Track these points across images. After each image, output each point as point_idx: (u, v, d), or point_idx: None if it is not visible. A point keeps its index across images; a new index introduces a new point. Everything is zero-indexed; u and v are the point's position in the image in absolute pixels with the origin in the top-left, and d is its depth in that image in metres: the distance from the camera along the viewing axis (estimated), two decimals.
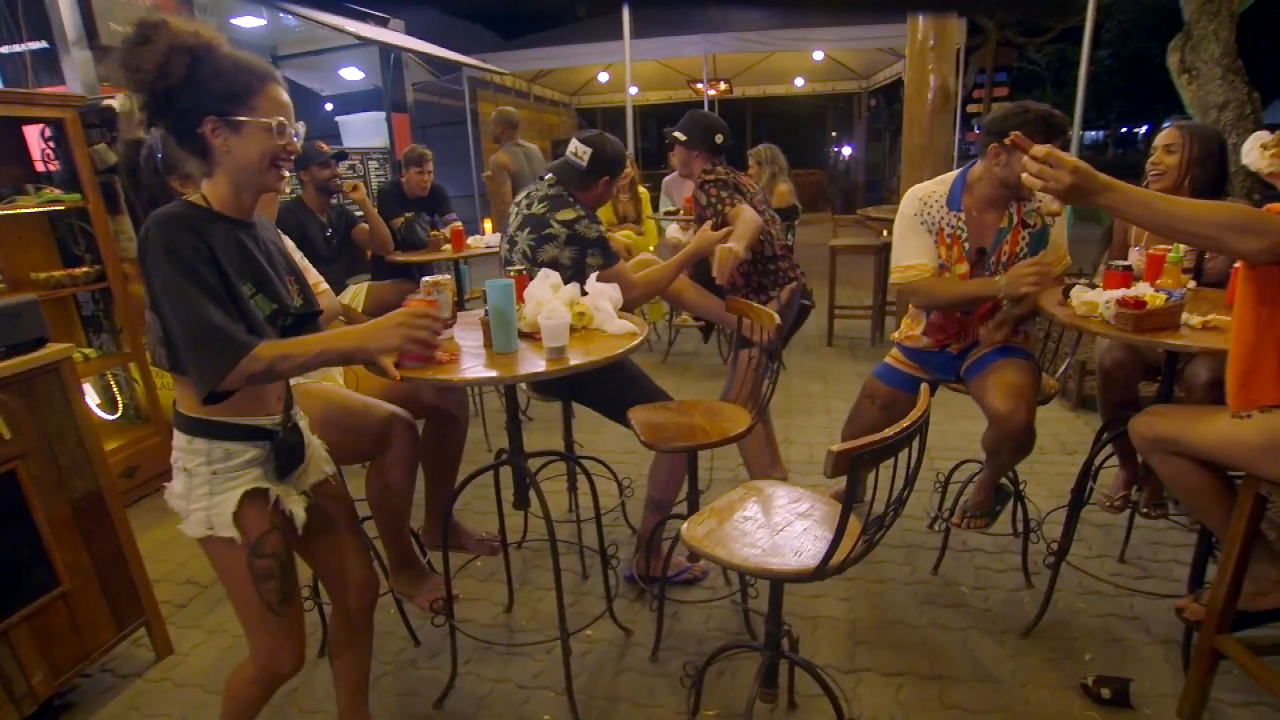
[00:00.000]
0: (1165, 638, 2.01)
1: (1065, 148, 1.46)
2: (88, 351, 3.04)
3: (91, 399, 3.18)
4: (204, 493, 1.27)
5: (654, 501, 2.23)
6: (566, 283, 1.85)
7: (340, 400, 1.80)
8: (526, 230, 2.10)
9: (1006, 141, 1.54)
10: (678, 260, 2.19)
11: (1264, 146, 1.62)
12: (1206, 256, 2.12)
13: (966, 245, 2.05)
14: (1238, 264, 1.84)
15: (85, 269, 2.92)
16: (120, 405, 3.24)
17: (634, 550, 2.36)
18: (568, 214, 2.08)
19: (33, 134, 2.93)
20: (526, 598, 2.32)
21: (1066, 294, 1.92)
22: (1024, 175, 1.38)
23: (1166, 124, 2.33)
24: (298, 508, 1.37)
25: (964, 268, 2.06)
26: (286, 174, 1.28)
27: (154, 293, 1.17)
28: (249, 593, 1.31)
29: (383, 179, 5.49)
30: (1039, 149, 1.35)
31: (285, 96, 1.26)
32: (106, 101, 2.93)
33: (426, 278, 1.69)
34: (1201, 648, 1.70)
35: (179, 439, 1.28)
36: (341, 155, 3.41)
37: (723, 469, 3.11)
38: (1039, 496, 2.72)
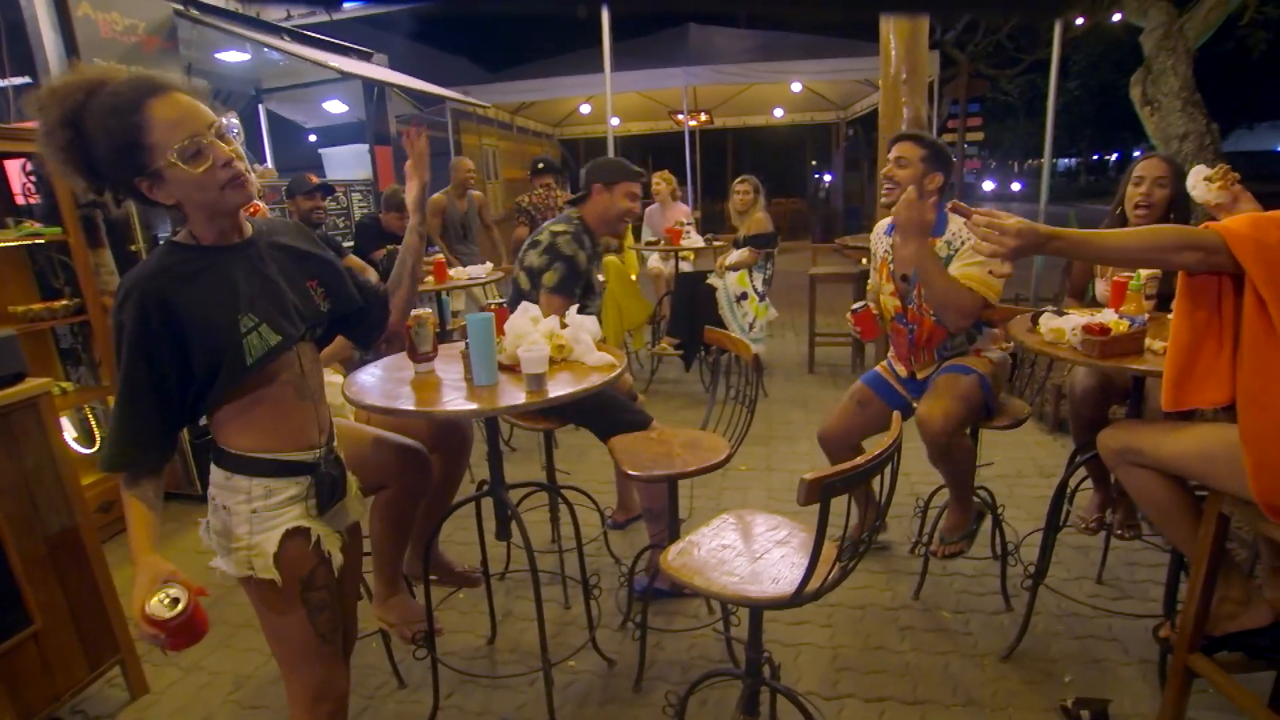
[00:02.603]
0: (1142, 657, 2.04)
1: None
2: (65, 385, 3.02)
3: (69, 432, 3.15)
4: (244, 532, 1.22)
5: (649, 511, 2.28)
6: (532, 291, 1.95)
7: (353, 434, 1.77)
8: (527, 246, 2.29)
9: (948, 208, 1.58)
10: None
11: (1208, 180, 1.69)
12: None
13: (893, 269, 2.22)
14: None
15: (64, 302, 2.91)
16: (98, 438, 3.21)
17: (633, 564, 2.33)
18: (560, 226, 2.26)
19: (14, 167, 2.94)
20: (509, 629, 2.31)
21: (1035, 321, 1.97)
22: (973, 240, 1.43)
23: (1139, 154, 2.42)
24: (335, 549, 1.32)
25: (891, 287, 2.26)
26: (244, 181, 1.15)
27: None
28: (295, 629, 1.27)
29: (366, 210, 5.52)
30: (978, 216, 1.38)
31: (179, 104, 1.10)
32: None
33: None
34: (1175, 667, 1.72)
35: (216, 474, 1.24)
36: (328, 189, 3.45)
37: (703, 497, 3.12)
38: (1017, 519, 2.76)
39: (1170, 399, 1.41)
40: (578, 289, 2.31)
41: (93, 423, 3.21)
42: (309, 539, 1.27)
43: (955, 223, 2.12)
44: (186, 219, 1.18)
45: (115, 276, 3.08)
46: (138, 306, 1.10)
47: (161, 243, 1.22)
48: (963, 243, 2.08)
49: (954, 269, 2.07)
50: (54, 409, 1.87)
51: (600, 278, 4.73)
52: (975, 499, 2.29)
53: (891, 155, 2.17)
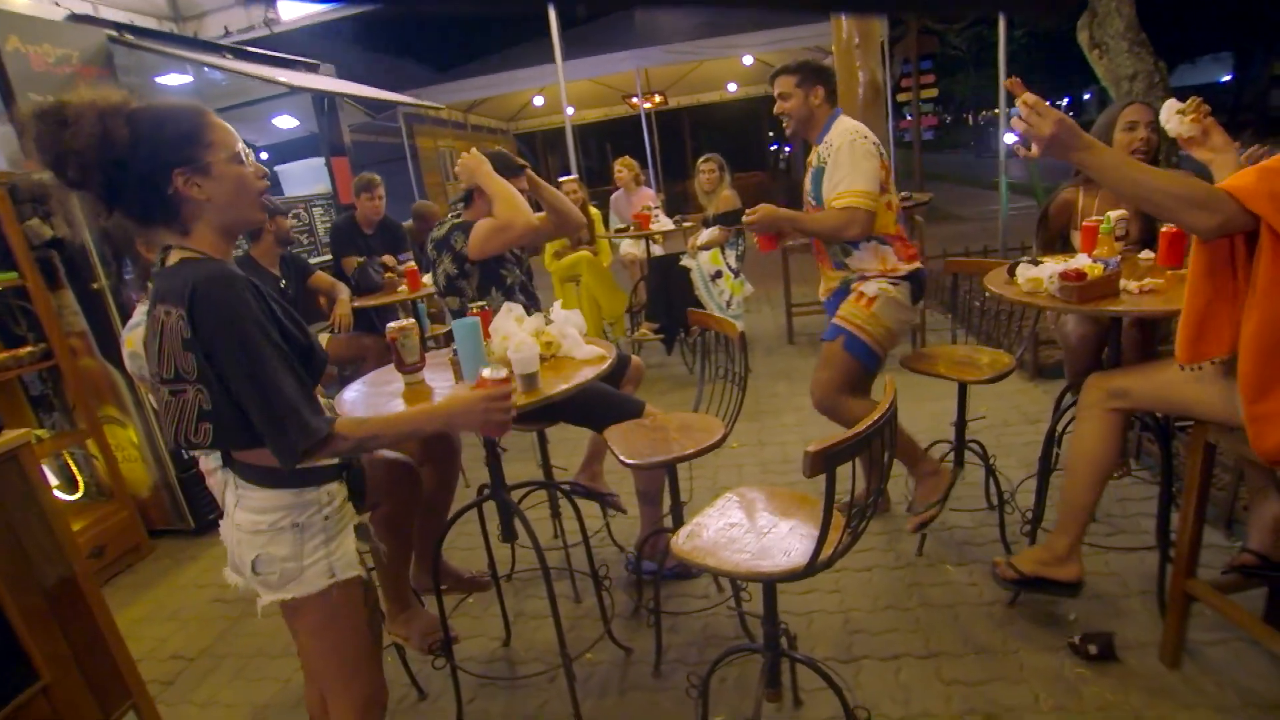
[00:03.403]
0: (1141, 589, 2.10)
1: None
2: (40, 433, 2.95)
3: (50, 480, 3.08)
4: (320, 541, 1.24)
5: (644, 494, 2.29)
6: (478, 287, 2.01)
7: None
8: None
9: (1004, 84, 1.59)
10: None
11: (1181, 112, 1.70)
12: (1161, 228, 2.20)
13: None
14: (1164, 228, 1.96)
15: (30, 349, 2.83)
16: (81, 484, 3.14)
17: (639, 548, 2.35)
18: (438, 232, 2.27)
19: None
20: (523, 629, 2.32)
21: (1012, 272, 2.00)
22: (1013, 119, 1.46)
23: (1089, 97, 2.43)
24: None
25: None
26: (265, 204, 1.26)
27: (215, 364, 1.11)
28: (358, 634, 1.30)
29: (328, 225, 5.43)
30: (1028, 96, 1.41)
31: (228, 124, 1.21)
32: (37, 176, 2.85)
33: (391, 324, 1.69)
34: (1174, 594, 1.78)
35: (282, 497, 1.22)
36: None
37: (700, 478, 3.14)
38: (1009, 468, 2.81)
39: (1188, 353, 1.45)
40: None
41: (74, 469, 3.14)
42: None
43: (833, 132, 2.24)
44: (189, 233, 1.18)
45: (79, 317, 3.00)
46: (244, 290, 1.12)
47: (177, 260, 1.17)
48: (831, 154, 2.21)
49: (825, 184, 2.22)
50: (35, 459, 1.83)
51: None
52: (956, 459, 2.35)
53: (775, 94, 2.30)
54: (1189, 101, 1.70)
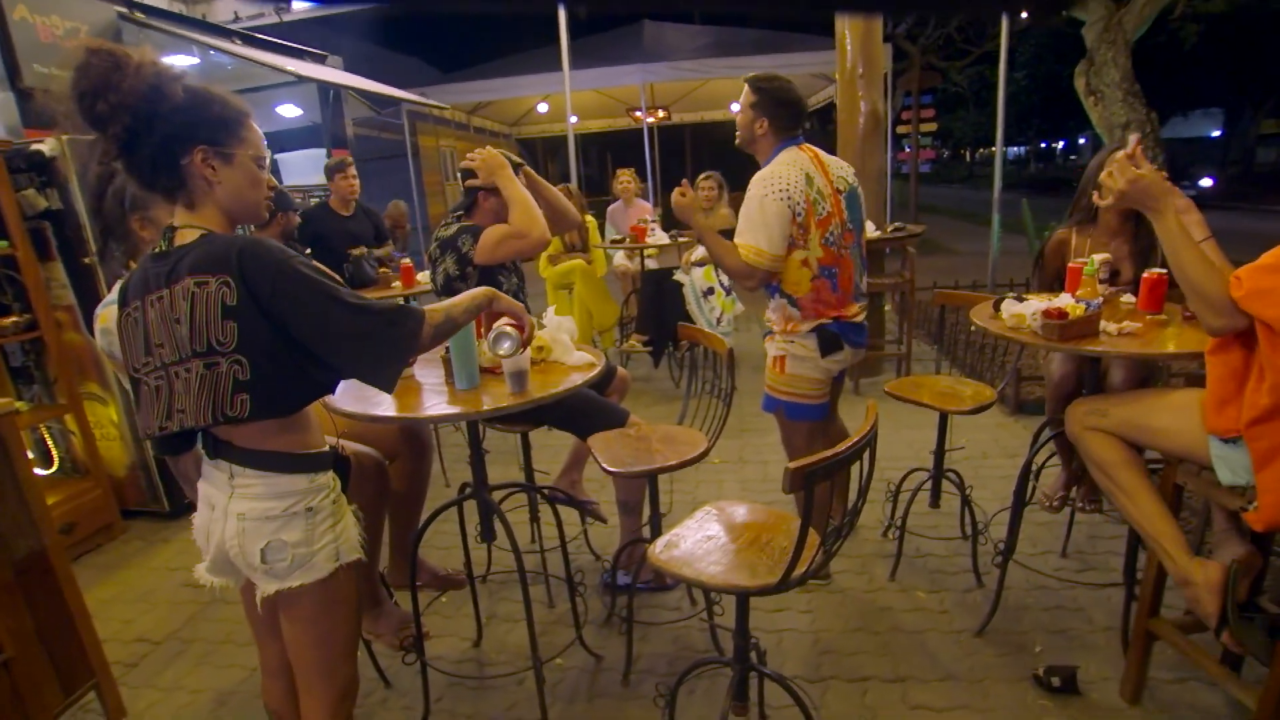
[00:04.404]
0: (1106, 625, 2.14)
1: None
2: (19, 405, 2.90)
3: None
4: (328, 526, 1.24)
5: (623, 504, 2.30)
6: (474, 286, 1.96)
7: None
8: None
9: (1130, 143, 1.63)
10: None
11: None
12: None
13: None
14: (1148, 272, 2.01)
15: (14, 319, 2.81)
16: (56, 459, 3.11)
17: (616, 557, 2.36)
18: (444, 231, 2.26)
19: None
20: (495, 630, 2.31)
21: (997, 307, 2.05)
22: (1103, 173, 1.56)
23: (1084, 141, 2.48)
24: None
25: None
26: (267, 210, 1.29)
27: (287, 319, 1.13)
28: (348, 622, 1.31)
29: None
30: (1128, 151, 1.55)
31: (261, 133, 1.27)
32: (35, 146, 2.84)
33: None
34: (1137, 631, 1.82)
35: (297, 482, 1.21)
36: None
37: (679, 491, 3.16)
38: (985, 499, 2.85)
39: (1210, 422, 1.51)
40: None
41: (49, 443, 3.11)
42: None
43: (763, 170, 2.17)
44: (193, 209, 1.20)
45: (68, 291, 2.98)
46: (286, 248, 1.16)
47: (195, 235, 1.18)
48: (745, 197, 2.18)
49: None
50: (16, 429, 1.82)
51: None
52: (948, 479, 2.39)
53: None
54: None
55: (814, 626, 2.23)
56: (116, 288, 2.00)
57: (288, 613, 1.27)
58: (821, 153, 2.25)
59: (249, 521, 1.20)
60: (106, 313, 1.83)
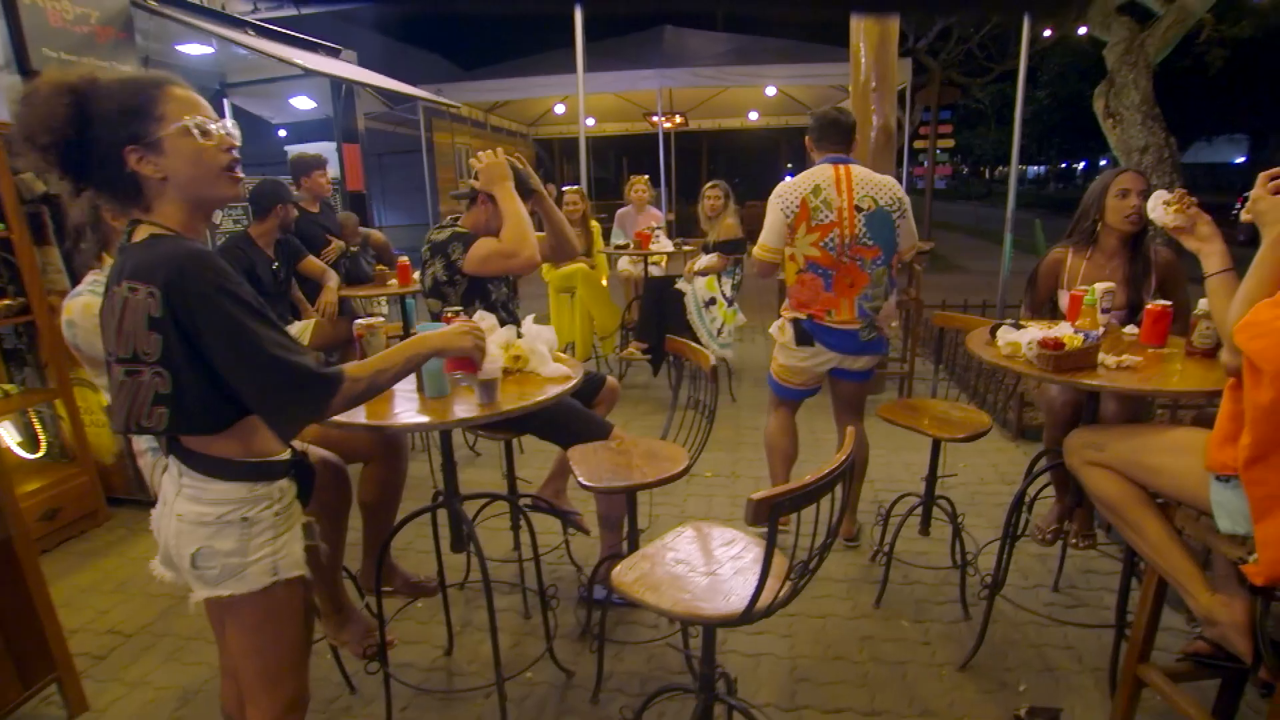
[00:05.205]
0: (1095, 666, 2.07)
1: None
2: (8, 387, 2.90)
3: (10, 437, 3.04)
4: (268, 539, 1.20)
5: (604, 518, 2.27)
6: (463, 296, 2.03)
7: None
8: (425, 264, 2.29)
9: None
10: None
11: (1166, 203, 1.72)
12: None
13: None
14: (1151, 304, 1.95)
15: (7, 301, 2.80)
16: (43, 444, 3.10)
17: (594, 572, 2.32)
18: (437, 234, 2.24)
19: None
20: (469, 639, 2.27)
21: (994, 334, 1.99)
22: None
23: (1105, 163, 2.45)
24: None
25: None
26: (240, 177, 1.19)
27: (199, 344, 1.07)
28: (292, 635, 1.27)
29: (333, 209, 5.42)
30: (1194, 209, 1.67)
31: (193, 94, 1.15)
32: None
33: (359, 320, 1.66)
34: (1125, 676, 1.75)
35: (231, 490, 1.18)
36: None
37: (667, 504, 3.11)
38: (979, 527, 2.78)
39: (1208, 459, 1.44)
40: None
41: (38, 427, 3.10)
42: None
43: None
44: (151, 210, 1.15)
45: (63, 276, 2.98)
46: (223, 266, 1.09)
47: (145, 236, 1.13)
48: None
49: None
50: None
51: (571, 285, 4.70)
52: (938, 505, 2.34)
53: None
54: (1175, 193, 1.73)
55: (792, 652, 2.17)
56: (86, 280, 1.99)
57: (229, 619, 1.24)
58: (858, 171, 2.44)
59: (185, 524, 1.17)
60: (72, 304, 1.81)
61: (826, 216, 2.36)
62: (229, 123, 1.17)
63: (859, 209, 2.37)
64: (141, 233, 1.14)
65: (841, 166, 2.42)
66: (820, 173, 2.41)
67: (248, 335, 1.07)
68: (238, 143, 1.18)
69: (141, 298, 1.05)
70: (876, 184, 2.42)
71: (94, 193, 1.15)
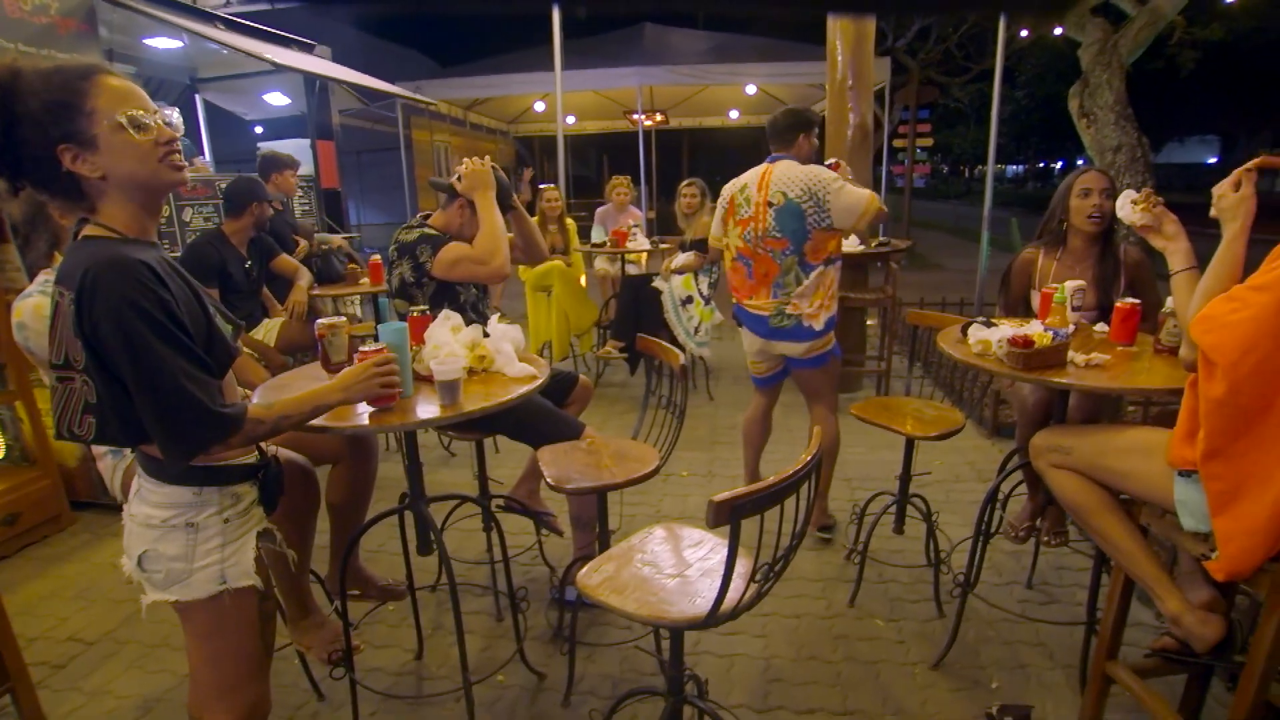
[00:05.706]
0: (1066, 663, 2.08)
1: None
2: None
3: None
4: (215, 546, 1.17)
5: (576, 519, 2.26)
6: (431, 297, 2.01)
7: None
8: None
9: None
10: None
11: (1134, 202, 1.74)
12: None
13: None
14: (1120, 302, 1.96)
15: None
16: (2, 446, 3.02)
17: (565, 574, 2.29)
18: (405, 234, 2.21)
19: None
20: (440, 642, 2.24)
21: (964, 332, 1.99)
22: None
23: (1082, 162, 2.46)
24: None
25: None
26: (182, 163, 1.13)
27: (105, 357, 1.02)
28: (244, 643, 1.24)
29: (306, 207, 5.34)
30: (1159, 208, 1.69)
31: (126, 83, 1.08)
32: None
33: (320, 320, 1.63)
34: (1093, 674, 1.75)
35: (177, 494, 1.15)
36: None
37: (643, 504, 3.09)
38: (953, 525, 2.79)
39: (1170, 455, 1.44)
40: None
41: None
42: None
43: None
44: (96, 210, 1.10)
45: (22, 274, 2.89)
46: (145, 274, 1.03)
47: (79, 237, 1.09)
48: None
49: None
50: None
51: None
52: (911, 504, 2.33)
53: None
54: (1142, 192, 1.74)
55: (766, 652, 2.16)
56: (38, 280, 1.93)
57: (182, 623, 1.21)
58: (780, 169, 2.52)
59: (135, 524, 1.16)
60: (22, 306, 1.76)
61: (746, 212, 2.57)
62: (168, 111, 1.12)
63: (770, 204, 2.50)
64: (85, 231, 1.11)
65: (770, 165, 2.56)
66: (753, 172, 2.60)
67: (151, 356, 1.02)
68: (178, 134, 1.12)
69: (67, 304, 1.02)
70: (791, 179, 2.47)
71: (34, 191, 1.10)
